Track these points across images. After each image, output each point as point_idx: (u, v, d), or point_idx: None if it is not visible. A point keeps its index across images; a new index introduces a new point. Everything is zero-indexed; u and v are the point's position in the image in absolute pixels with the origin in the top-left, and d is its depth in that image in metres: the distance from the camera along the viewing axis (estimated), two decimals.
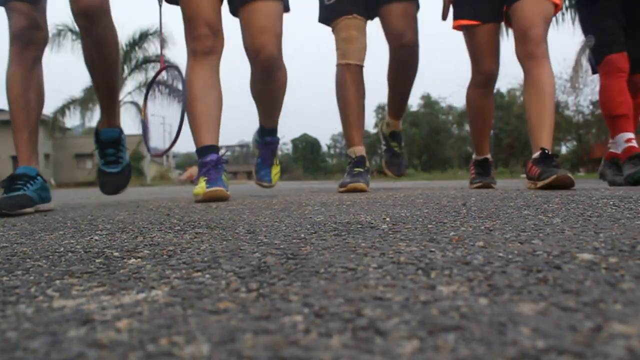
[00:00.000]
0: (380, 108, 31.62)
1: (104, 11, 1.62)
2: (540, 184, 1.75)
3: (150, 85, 1.92)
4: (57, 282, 0.48)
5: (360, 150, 2.22)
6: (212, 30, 1.86)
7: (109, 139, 1.85)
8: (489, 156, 2.38)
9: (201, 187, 1.70)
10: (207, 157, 1.77)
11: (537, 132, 2.01)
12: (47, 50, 1.69)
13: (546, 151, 1.88)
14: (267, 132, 2.22)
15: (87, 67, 1.74)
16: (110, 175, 1.86)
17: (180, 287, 0.44)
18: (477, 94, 2.27)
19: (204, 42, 1.85)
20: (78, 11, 1.57)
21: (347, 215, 1.01)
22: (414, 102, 34.05)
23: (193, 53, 1.88)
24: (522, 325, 0.30)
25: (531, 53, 1.99)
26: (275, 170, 2.27)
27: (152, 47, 18.70)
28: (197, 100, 1.83)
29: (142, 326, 0.33)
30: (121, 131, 1.89)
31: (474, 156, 2.43)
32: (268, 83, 1.98)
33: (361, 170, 2.18)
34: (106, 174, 1.86)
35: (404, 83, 2.31)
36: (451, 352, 0.27)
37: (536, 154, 1.93)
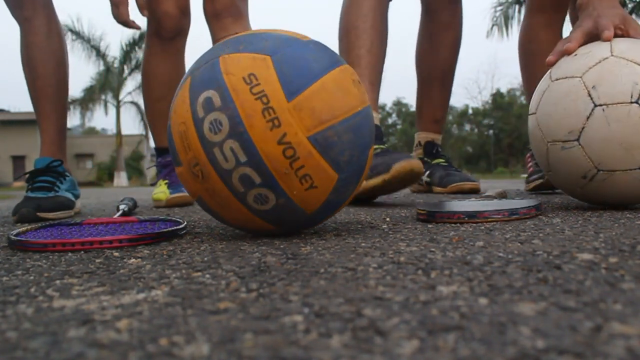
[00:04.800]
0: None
1: None
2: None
3: None
4: (57, 282, 0.48)
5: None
6: (180, 6, 1.49)
7: None
8: None
9: (163, 192, 1.53)
10: (168, 157, 1.58)
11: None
12: None
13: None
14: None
15: None
16: None
17: (180, 287, 0.44)
18: (539, 25, 1.49)
19: (170, 21, 1.48)
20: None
21: (347, 215, 1.01)
22: (414, 102, 33.96)
23: (156, 35, 1.52)
24: (522, 325, 0.30)
25: None
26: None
27: None
28: (161, 100, 1.54)
29: (142, 326, 0.33)
30: None
31: None
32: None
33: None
34: None
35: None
36: (451, 352, 0.27)
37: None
